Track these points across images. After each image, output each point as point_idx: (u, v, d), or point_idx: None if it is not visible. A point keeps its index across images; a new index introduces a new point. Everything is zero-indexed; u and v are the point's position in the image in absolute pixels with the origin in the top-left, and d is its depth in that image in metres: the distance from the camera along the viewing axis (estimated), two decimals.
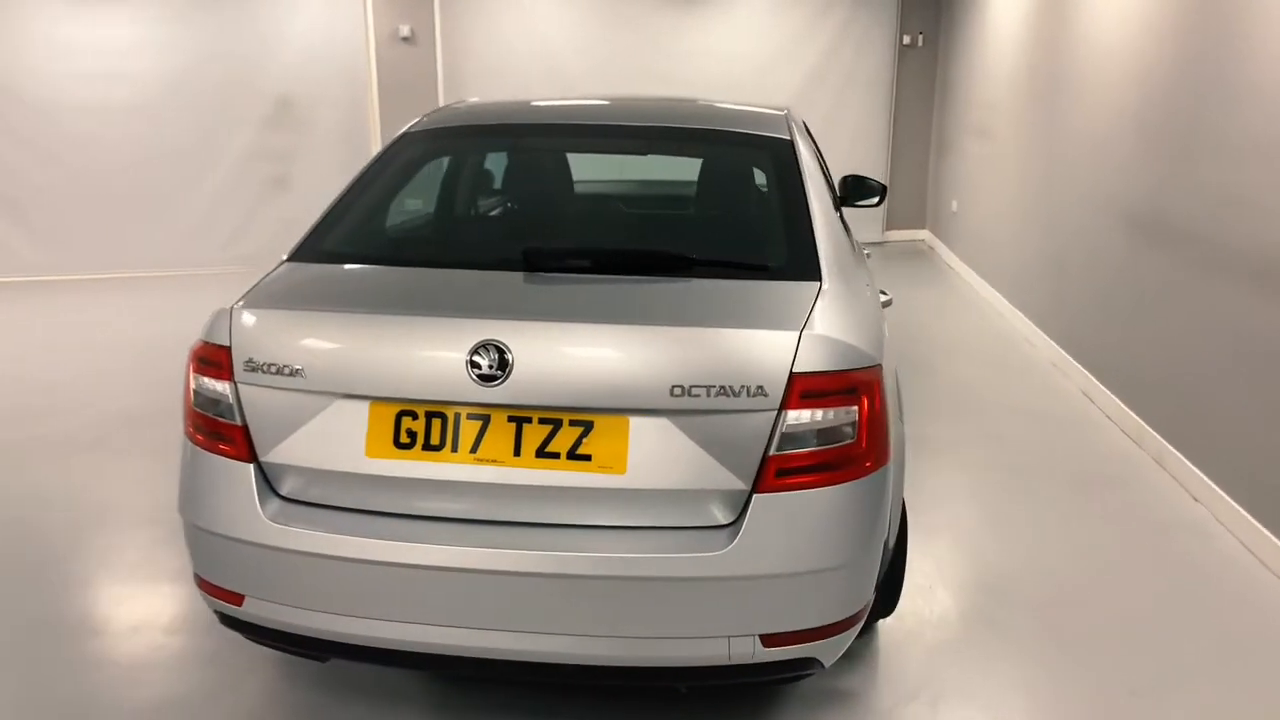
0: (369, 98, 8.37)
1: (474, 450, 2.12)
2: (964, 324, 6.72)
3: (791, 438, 2.09)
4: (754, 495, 2.09)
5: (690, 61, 8.86)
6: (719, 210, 3.27)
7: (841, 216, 3.16)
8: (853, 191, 4.46)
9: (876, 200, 4.52)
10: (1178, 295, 4.16)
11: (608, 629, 2.10)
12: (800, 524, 2.10)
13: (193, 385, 2.31)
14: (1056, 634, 2.97)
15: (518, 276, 2.42)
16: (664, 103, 3.64)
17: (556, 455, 2.10)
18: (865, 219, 9.50)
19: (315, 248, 2.64)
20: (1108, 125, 5.04)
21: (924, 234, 9.69)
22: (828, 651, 2.22)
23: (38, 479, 4.11)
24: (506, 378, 2.08)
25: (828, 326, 2.18)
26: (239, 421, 2.23)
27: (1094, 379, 5.05)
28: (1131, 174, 4.71)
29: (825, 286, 2.37)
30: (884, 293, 3.34)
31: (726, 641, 2.11)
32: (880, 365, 2.24)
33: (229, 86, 8.06)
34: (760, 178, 3.14)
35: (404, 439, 2.15)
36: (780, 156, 2.88)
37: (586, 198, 3.80)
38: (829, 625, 2.18)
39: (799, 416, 2.08)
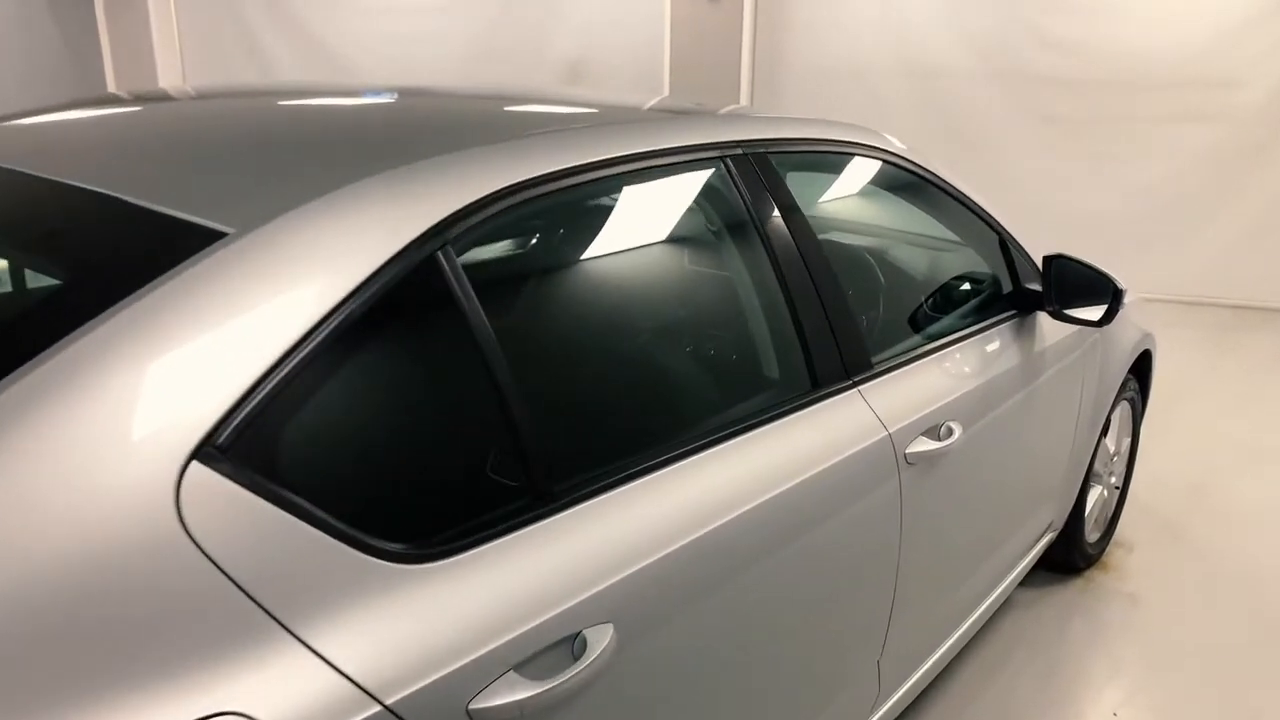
0: (660, 68, 6.92)
1: None
2: None
3: None
4: None
5: (1099, 21, 5.86)
6: None
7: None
8: (1058, 288, 2.28)
9: (1100, 315, 2.25)
10: None
11: None
12: None
13: None
14: None
15: None
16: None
17: None
18: None
19: None
20: None
21: None
22: None
23: None
24: None
25: None
26: None
27: None
28: None
29: None
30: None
31: None
32: None
33: (519, 50, 7.17)
34: None
35: None
36: None
37: None
38: None
39: None
